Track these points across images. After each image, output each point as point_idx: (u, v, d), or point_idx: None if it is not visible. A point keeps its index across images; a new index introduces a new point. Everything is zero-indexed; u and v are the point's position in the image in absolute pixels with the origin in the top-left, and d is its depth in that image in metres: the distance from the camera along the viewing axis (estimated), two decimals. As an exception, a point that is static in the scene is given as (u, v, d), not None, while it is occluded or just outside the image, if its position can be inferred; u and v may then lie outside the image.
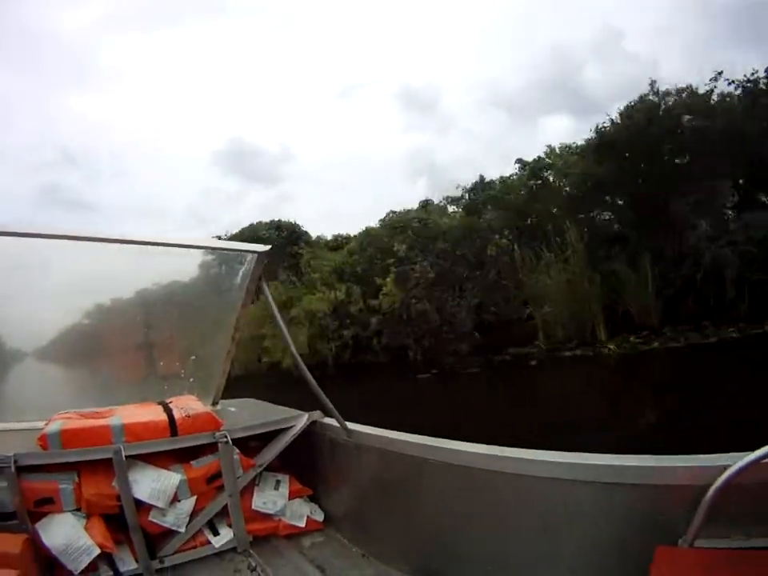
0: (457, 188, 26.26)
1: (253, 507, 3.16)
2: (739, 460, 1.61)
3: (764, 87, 17.74)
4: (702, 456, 1.85)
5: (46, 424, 2.90)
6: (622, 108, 19.63)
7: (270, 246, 3.23)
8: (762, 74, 17.81)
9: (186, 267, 3.34)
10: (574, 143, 22.14)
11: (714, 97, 18.61)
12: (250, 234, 28.30)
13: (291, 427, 3.35)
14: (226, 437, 3.09)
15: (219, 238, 25.43)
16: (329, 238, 29.43)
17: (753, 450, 1.61)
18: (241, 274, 3.35)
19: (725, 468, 1.61)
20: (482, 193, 25.15)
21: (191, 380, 3.76)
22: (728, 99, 18.36)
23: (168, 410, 3.14)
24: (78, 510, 2.72)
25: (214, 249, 3.29)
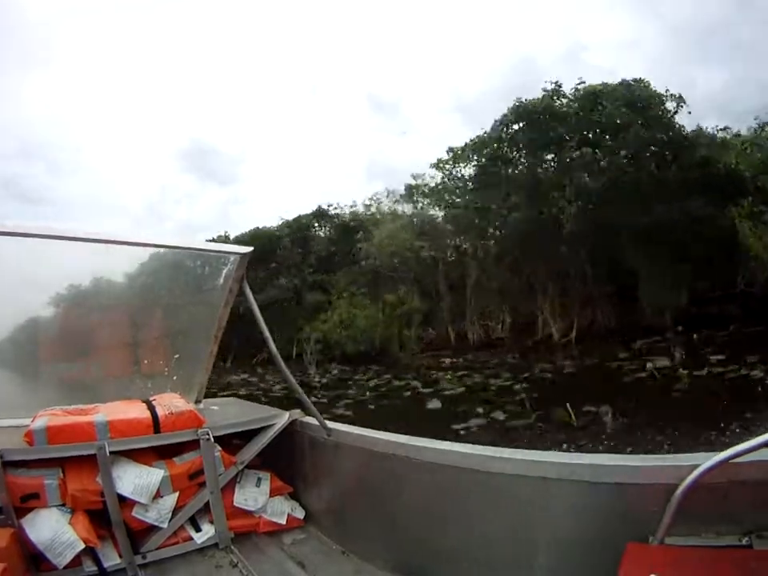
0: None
1: (234, 504, 3.16)
2: (708, 459, 1.64)
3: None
4: (673, 455, 1.90)
5: (32, 421, 2.87)
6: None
7: (252, 248, 3.24)
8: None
9: (169, 267, 3.32)
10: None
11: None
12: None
13: (272, 425, 3.36)
14: (208, 434, 3.09)
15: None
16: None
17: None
18: (224, 274, 3.35)
19: (695, 467, 1.65)
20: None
21: (174, 378, 3.74)
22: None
23: (151, 408, 3.12)
24: (63, 505, 2.69)
25: (198, 250, 3.27)
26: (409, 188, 30.24)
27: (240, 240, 28.19)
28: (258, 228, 34.20)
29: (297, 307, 29.88)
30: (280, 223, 34.63)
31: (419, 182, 28.95)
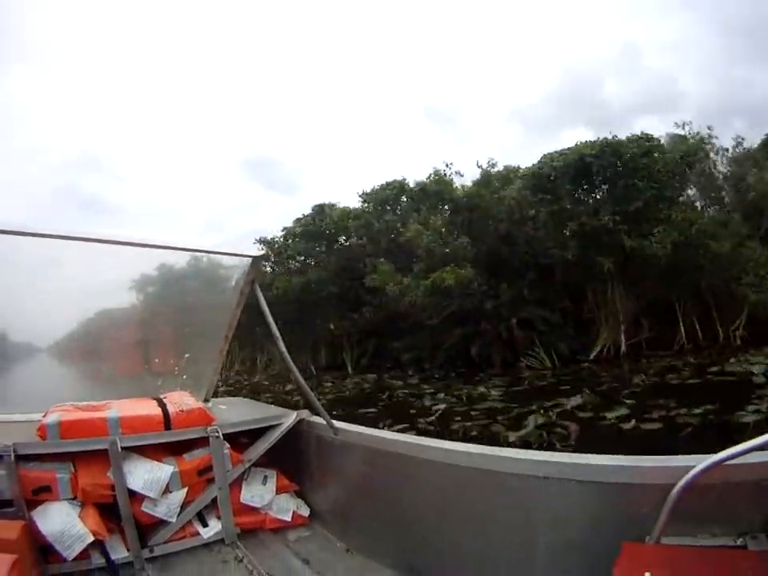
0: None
1: (241, 501, 3.19)
2: (703, 461, 1.63)
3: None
4: (670, 457, 1.89)
5: (44, 416, 2.90)
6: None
7: (263, 252, 3.26)
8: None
9: (183, 269, 3.35)
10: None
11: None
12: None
13: (279, 424, 3.38)
14: (217, 431, 3.11)
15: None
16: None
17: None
18: (235, 277, 3.38)
19: (690, 468, 1.64)
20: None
21: (184, 377, 3.78)
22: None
23: (162, 405, 3.16)
24: (74, 498, 2.73)
25: (211, 253, 3.31)
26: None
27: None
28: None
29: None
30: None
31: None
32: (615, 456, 2.01)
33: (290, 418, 3.42)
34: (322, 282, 22.97)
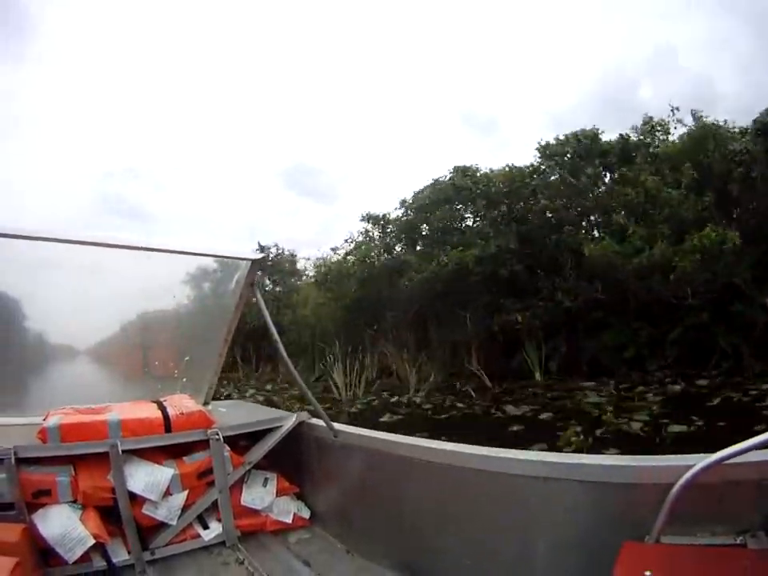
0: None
1: (241, 503, 3.17)
2: (702, 460, 1.63)
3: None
4: (669, 456, 1.89)
5: (45, 419, 2.89)
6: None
7: (263, 255, 3.26)
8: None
9: (182, 272, 3.34)
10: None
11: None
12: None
13: (279, 427, 3.38)
14: (217, 434, 3.10)
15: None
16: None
17: None
18: (235, 279, 3.38)
19: (689, 467, 1.64)
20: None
21: (184, 380, 3.77)
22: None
23: (162, 408, 3.15)
24: (74, 501, 2.71)
25: (210, 256, 3.30)
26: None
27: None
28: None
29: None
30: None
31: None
32: (613, 456, 2.02)
33: (290, 420, 3.42)
34: (495, 258, 15.46)
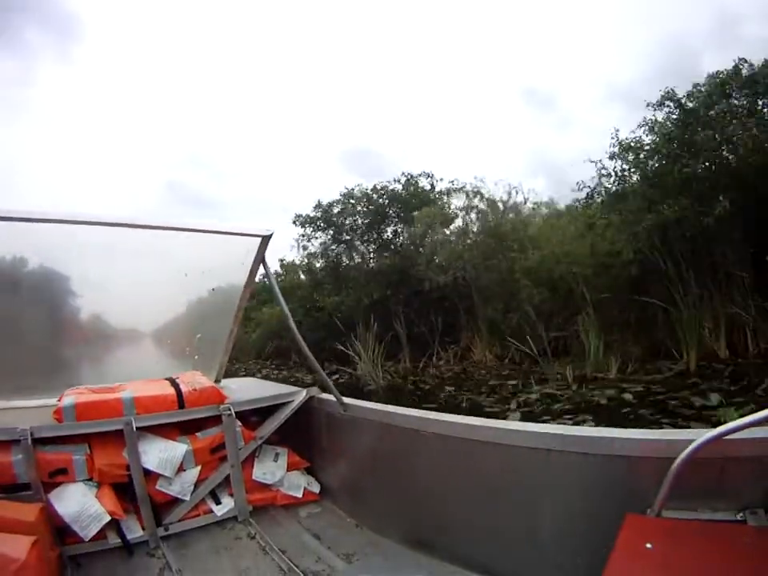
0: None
1: (253, 478, 3.23)
2: (703, 435, 1.63)
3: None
4: (671, 430, 1.92)
5: (59, 399, 2.94)
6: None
7: (272, 231, 3.23)
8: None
9: (191, 249, 3.32)
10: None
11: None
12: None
13: (290, 402, 3.41)
14: (229, 409, 3.14)
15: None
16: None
17: None
18: (245, 255, 3.36)
19: (691, 442, 1.64)
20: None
21: (196, 357, 3.80)
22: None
23: (175, 385, 3.18)
24: (90, 479, 2.76)
25: (219, 233, 3.27)
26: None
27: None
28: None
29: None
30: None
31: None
32: (615, 429, 2.01)
33: (300, 395, 3.45)
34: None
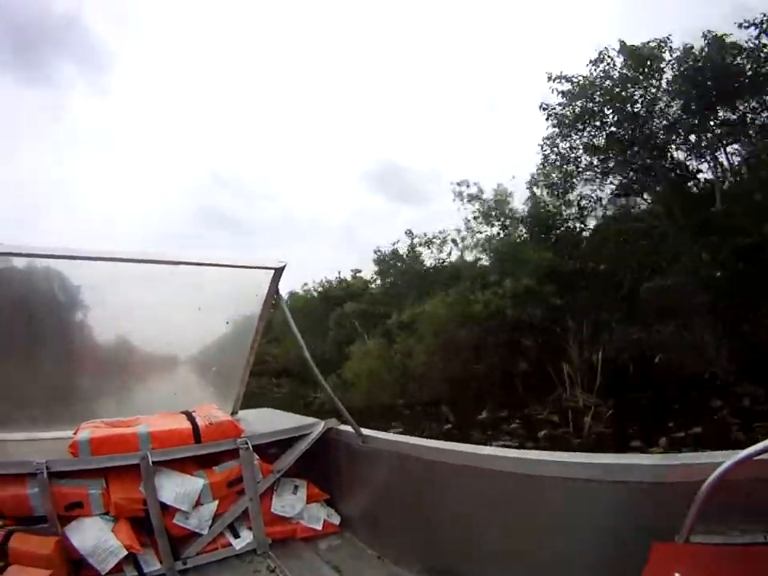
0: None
1: (272, 511, 3.17)
2: (731, 457, 1.57)
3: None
4: (697, 454, 1.85)
5: (75, 432, 2.92)
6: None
7: (285, 263, 3.25)
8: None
9: (207, 282, 3.35)
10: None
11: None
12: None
13: (308, 434, 3.37)
14: (246, 443, 3.10)
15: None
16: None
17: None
18: (259, 288, 3.37)
19: (718, 465, 1.58)
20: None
21: (212, 390, 3.78)
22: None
23: (192, 419, 3.16)
24: (106, 513, 2.74)
25: (231, 266, 3.30)
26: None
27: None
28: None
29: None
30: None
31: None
32: (641, 455, 1.98)
33: (319, 427, 3.40)
34: None
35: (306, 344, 3.32)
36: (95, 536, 2.60)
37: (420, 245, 25.87)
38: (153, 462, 2.84)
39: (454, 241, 24.60)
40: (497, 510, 2.35)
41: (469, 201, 22.51)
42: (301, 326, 3.72)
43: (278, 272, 3.27)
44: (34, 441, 3.14)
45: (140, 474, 2.82)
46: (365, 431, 3.19)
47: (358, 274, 30.43)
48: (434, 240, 25.53)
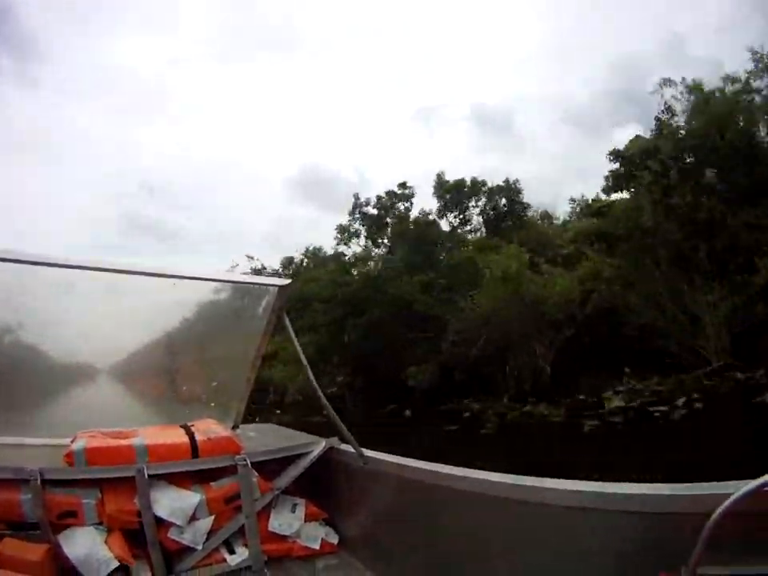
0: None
1: (269, 528, 3.10)
2: (741, 488, 1.53)
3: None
4: (705, 484, 1.79)
5: (71, 441, 2.89)
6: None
7: (290, 281, 3.25)
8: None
9: (211, 298, 3.36)
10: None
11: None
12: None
13: (308, 453, 3.32)
14: (245, 460, 3.05)
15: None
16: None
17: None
18: (263, 305, 3.37)
19: (727, 496, 1.54)
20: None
21: (212, 404, 3.75)
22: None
23: (190, 433, 3.12)
24: (100, 524, 2.69)
25: (238, 283, 3.32)
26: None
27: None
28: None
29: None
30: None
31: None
32: (648, 484, 1.92)
33: (319, 446, 3.35)
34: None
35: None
36: (87, 546, 2.55)
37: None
38: (149, 475, 2.80)
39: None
40: (499, 536, 2.28)
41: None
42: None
43: (284, 289, 3.27)
44: (29, 446, 3.11)
45: (135, 486, 2.77)
46: (366, 452, 3.14)
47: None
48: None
